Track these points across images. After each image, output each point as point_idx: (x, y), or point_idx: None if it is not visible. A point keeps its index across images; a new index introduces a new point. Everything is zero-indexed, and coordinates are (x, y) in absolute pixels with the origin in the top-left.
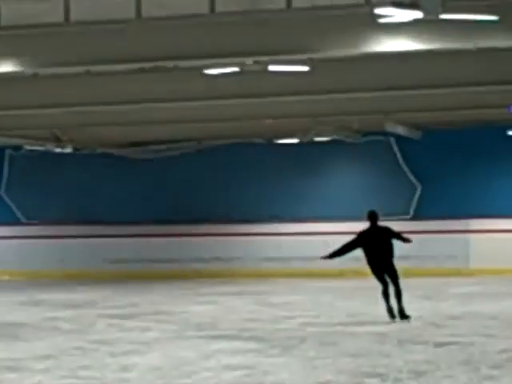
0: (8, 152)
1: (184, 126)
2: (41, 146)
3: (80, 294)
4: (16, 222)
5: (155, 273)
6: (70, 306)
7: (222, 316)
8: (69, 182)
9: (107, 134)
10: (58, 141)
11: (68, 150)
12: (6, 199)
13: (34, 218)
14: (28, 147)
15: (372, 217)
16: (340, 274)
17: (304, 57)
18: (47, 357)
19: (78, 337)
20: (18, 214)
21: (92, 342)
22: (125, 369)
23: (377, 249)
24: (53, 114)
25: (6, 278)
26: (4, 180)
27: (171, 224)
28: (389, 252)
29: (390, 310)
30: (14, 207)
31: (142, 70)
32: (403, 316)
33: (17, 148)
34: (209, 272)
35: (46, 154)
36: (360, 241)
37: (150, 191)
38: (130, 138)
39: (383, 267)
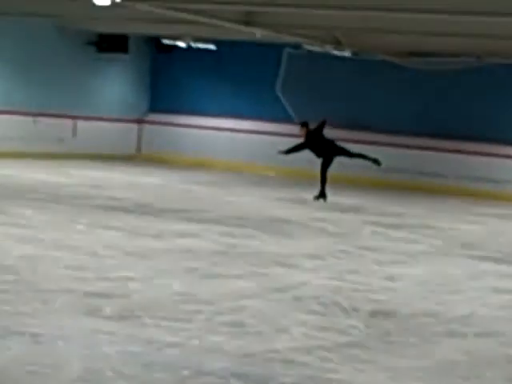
0: (287, 50)
1: (465, 41)
2: (320, 47)
3: (346, 199)
4: (287, 121)
5: (420, 185)
6: (336, 209)
7: (490, 237)
8: (343, 86)
9: (387, 42)
10: (337, 43)
11: (347, 53)
12: (281, 98)
13: (305, 117)
14: (307, 47)
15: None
16: None
17: None
18: (315, 256)
19: (344, 240)
20: (291, 113)
21: (358, 248)
22: (391, 278)
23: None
24: (336, 15)
25: (272, 173)
26: (280, 78)
27: (442, 139)
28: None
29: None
30: (287, 106)
31: None
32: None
33: (296, 47)
34: (476, 191)
35: (324, 56)
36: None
37: (425, 103)
38: (410, 48)
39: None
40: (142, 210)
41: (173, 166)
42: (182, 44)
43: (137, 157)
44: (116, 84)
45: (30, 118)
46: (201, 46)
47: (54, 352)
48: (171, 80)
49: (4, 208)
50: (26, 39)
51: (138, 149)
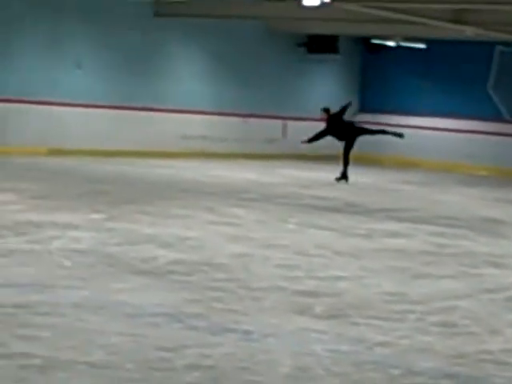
0: (498, 48)
1: None
2: None
3: None
4: (497, 119)
5: None
6: None
7: None
8: None
9: None
10: None
11: None
12: (493, 95)
13: None
14: None
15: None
16: None
17: None
18: None
19: None
20: (502, 111)
21: None
22: None
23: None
24: None
25: (484, 173)
26: (492, 76)
27: None
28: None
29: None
30: (499, 104)
31: None
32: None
33: (507, 44)
34: None
35: None
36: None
37: None
38: None
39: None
40: (351, 209)
41: (382, 166)
42: (391, 43)
43: None
44: (326, 84)
45: (240, 119)
46: (410, 44)
47: (266, 349)
48: (381, 80)
49: (216, 207)
50: (237, 41)
51: None
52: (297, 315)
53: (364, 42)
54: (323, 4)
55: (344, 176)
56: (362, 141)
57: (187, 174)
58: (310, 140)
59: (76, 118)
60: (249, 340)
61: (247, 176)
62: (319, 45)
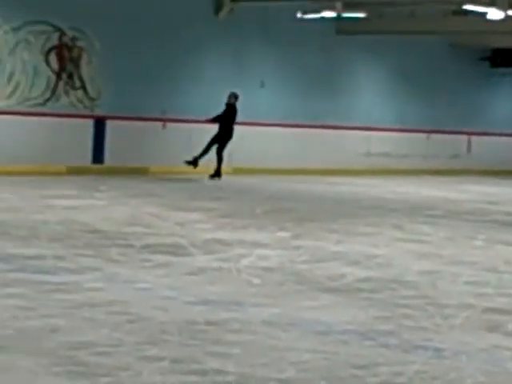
0: None
1: None
2: None
3: None
4: None
5: None
6: None
7: None
8: None
9: None
10: None
11: None
12: None
13: None
14: None
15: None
16: None
17: None
18: None
19: None
20: None
21: None
22: None
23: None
24: None
25: None
26: None
27: None
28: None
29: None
30: None
31: None
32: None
33: None
34: None
35: None
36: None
37: None
38: None
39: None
40: None
41: None
42: None
43: None
44: (510, 99)
45: (423, 135)
46: None
47: (457, 366)
48: None
49: (403, 224)
50: (419, 56)
51: None
52: (488, 332)
53: None
54: (508, 17)
55: (217, 173)
56: None
57: (371, 191)
58: (212, 120)
59: (259, 137)
60: (440, 357)
61: (433, 192)
62: (504, 58)
